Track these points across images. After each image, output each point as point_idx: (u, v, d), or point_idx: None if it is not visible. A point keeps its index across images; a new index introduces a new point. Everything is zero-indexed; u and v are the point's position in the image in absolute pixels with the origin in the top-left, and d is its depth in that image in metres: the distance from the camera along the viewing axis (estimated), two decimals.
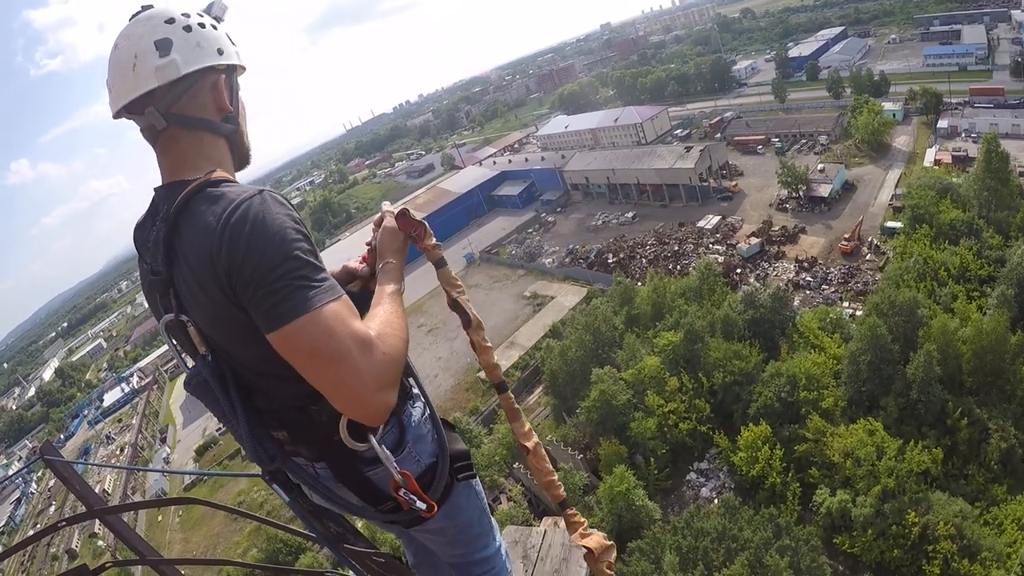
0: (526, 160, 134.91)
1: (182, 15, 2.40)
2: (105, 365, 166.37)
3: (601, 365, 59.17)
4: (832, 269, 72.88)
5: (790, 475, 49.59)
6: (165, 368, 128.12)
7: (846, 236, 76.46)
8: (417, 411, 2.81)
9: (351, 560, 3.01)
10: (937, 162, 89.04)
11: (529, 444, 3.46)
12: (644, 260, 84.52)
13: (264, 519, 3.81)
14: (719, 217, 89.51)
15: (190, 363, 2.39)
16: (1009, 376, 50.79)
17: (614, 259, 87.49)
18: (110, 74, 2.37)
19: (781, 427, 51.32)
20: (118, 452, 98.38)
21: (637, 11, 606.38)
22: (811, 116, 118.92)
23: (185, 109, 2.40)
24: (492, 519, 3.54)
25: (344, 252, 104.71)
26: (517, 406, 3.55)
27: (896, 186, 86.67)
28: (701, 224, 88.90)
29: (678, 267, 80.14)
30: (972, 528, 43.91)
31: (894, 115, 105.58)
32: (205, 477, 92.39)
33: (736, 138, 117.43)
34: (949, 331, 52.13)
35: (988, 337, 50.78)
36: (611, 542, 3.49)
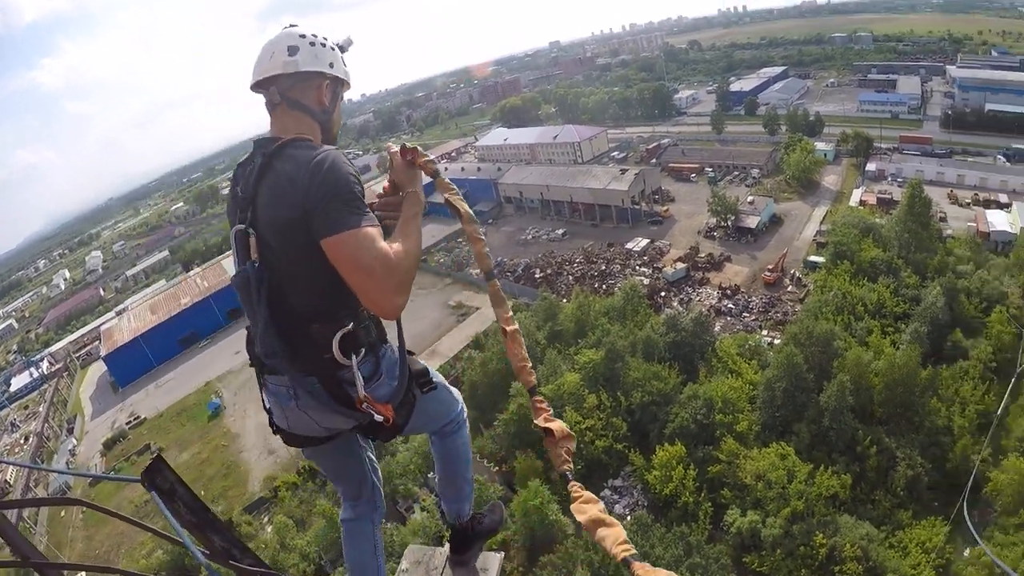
0: (462, 169, 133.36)
1: (312, 35, 3.39)
2: (15, 347, 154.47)
3: None
4: (754, 298, 74.04)
5: (703, 495, 49.63)
6: (77, 355, 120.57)
7: (770, 267, 78.11)
8: (390, 353, 3.66)
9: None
10: (863, 202, 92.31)
11: (509, 328, 3.73)
12: (571, 277, 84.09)
13: (146, 526, 3.56)
14: (648, 240, 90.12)
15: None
16: (918, 408, 52.31)
17: (541, 274, 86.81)
18: (257, 59, 3.33)
19: (696, 448, 51.38)
20: (22, 441, 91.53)
21: (587, 32, 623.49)
22: (746, 149, 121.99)
23: (296, 95, 3.35)
24: (449, 388, 4.42)
25: None
26: (503, 294, 3.92)
27: (821, 222, 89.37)
28: (630, 246, 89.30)
29: (604, 286, 79.83)
30: (878, 551, 44.88)
31: (825, 155, 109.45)
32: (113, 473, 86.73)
33: (671, 165, 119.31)
34: (863, 363, 53.59)
35: (900, 371, 52.34)
36: (573, 433, 3.61)
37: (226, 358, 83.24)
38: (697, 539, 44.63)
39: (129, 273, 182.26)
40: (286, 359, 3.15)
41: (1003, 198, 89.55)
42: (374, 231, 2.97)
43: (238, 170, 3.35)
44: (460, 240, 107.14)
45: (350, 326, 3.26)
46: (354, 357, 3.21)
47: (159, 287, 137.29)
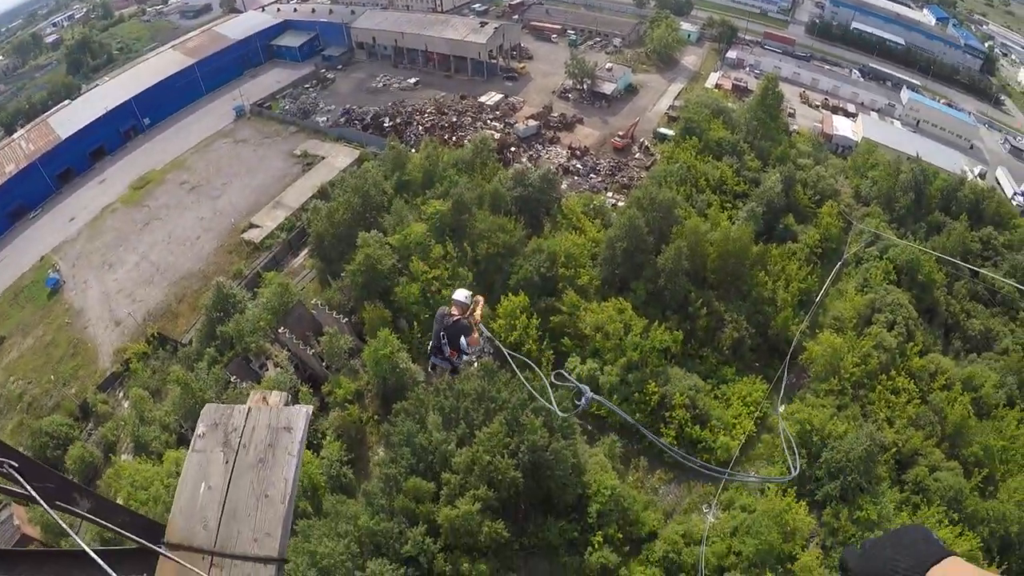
0: (313, 11, 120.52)
1: None
2: None
3: (368, 229, 55.82)
4: (602, 160, 74.74)
5: (545, 343, 51.60)
6: None
7: (620, 133, 78.84)
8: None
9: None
10: (718, 86, 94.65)
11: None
12: (421, 128, 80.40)
13: None
14: (501, 96, 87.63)
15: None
16: (747, 279, 56.49)
17: (391, 123, 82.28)
18: None
19: (539, 299, 52.64)
20: None
21: None
22: (611, 18, 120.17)
23: None
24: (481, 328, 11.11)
25: (101, 99, 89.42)
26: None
27: (676, 98, 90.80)
28: (483, 99, 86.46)
29: (454, 138, 77.22)
30: (704, 400, 49.60)
31: (689, 36, 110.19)
32: None
33: (533, 23, 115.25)
34: (700, 232, 56.30)
35: (733, 243, 55.81)
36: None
37: (60, 227, 72.74)
38: (540, 384, 46.15)
39: None
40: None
41: (851, 108, 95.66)
42: (480, 309, 11.10)
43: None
44: (308, 87, 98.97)
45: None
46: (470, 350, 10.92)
47: None
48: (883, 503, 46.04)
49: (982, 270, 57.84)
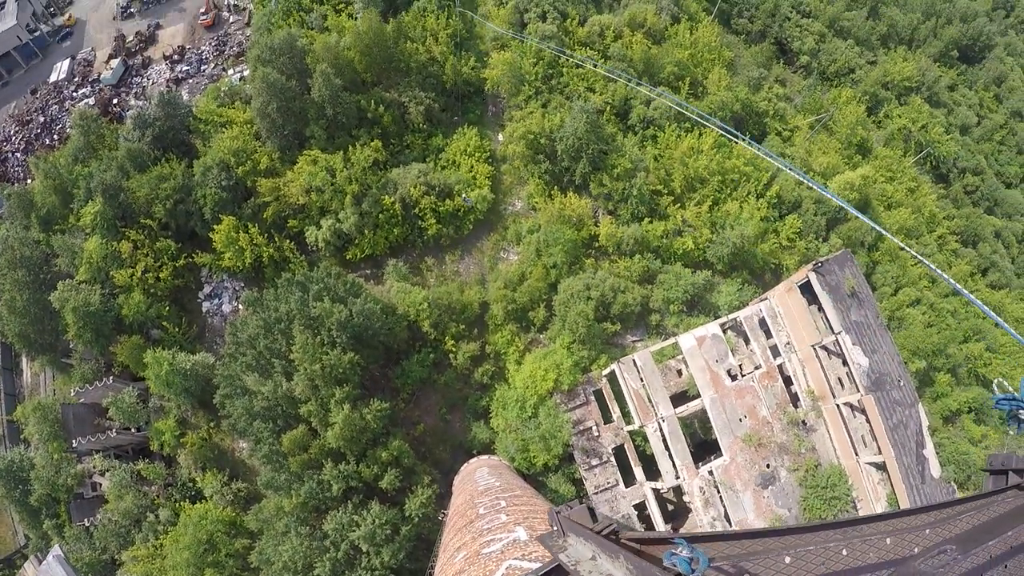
0: None
1: None
2: None
3: (54, 284, 49.98)
4: (204, 47, 68.00)
5: (276, 240, 49.95)
6: None
7: (202, 11, 71.38)
8: None
9: None
10: None
11: None
12: (19, 154, 68.72)
13: None
14: (68, 59, 75.28)
15: None
16: (398, 57, 55.07)
17: None
18: None
19: (240, 209, 49.90)
20: None
21: None
22: None
23: None
24: None
25: None
26: None
27: None
28: (53, 77, 73.96)
29: (56, 136, 67.26)
30: (436, 176, 49.95)
31: None
32: None
33: None
34: (332, 46, 53.58)
35: (368, 36, 53.61)
36: None
37: None
38: (303, 272, 45.68)
39: None
40: None
41: None
42: None
43: None
44: None
45: None
46: None
47: None
48: (628, 149, 50.81)
49: None
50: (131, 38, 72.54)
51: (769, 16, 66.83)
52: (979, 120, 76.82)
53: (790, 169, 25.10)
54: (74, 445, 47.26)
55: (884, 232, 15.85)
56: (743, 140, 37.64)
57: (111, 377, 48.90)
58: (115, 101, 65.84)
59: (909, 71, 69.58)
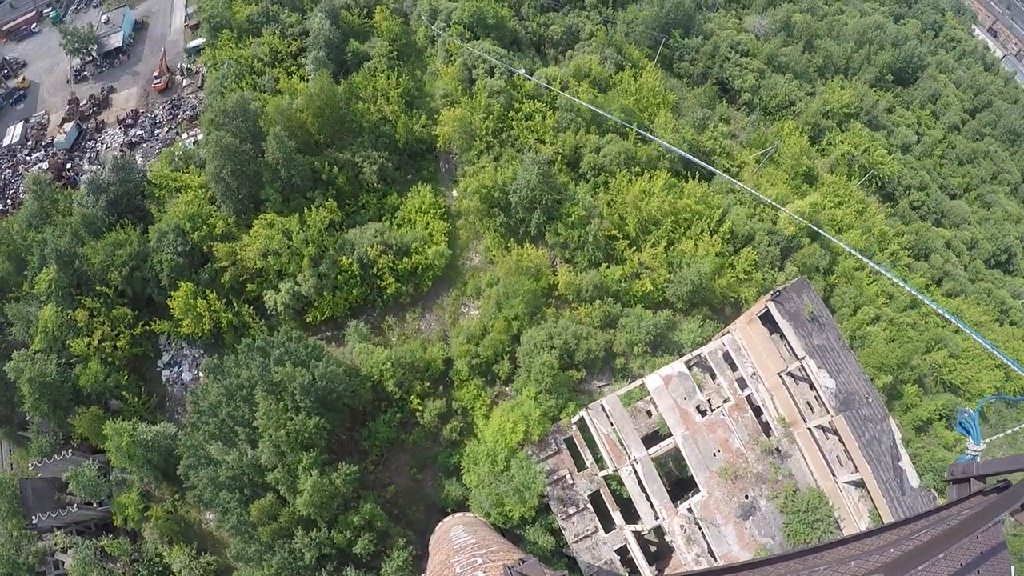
0: None
1: None
2: None
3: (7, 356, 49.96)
4: (157, 111, 68.24)
5: (237, 304, 50.01)
6: None
7: (155, 74, 71.85)
8: None
9: None
10: None
11: None
12: None
13: None
14: (22, 122, 74.68)
15: None
16: (350, 118, 56.14)
17: None
18: None
19: (197, 275, 49.92)
20: None
21: None
22: None
23: None
24: None
25: None
26: None
27: (186, 6, 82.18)
28: (6, 141, 73.16)
29: (8, 201, 66.45)
30: (393, 235, 50.74)
31: None
32: None
33: (3, 27, 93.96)
34: (285, 108, 54.32)
35: (319, 97, 54.59)
36: None
37: None
38: (264, 338, 45.37)
39: None
40: None
41: None
42: None
43: None
44: None
45: None
46: None
47: None
48: (581, 197, 51.95)
49: None
50: (85, 101, 72.40)
51: (709, 58, 69.20)
52: (919, 138, 79.35)
53: (770, 203, 26.14)
54: (34, 522, 46.14)
55: (861, 256, 16.73)
56: (727, 177, 38.78)
57: (70, 450, 48.15)
58: (69, 165, 65.51)
59: (847, 98, 71.92)
